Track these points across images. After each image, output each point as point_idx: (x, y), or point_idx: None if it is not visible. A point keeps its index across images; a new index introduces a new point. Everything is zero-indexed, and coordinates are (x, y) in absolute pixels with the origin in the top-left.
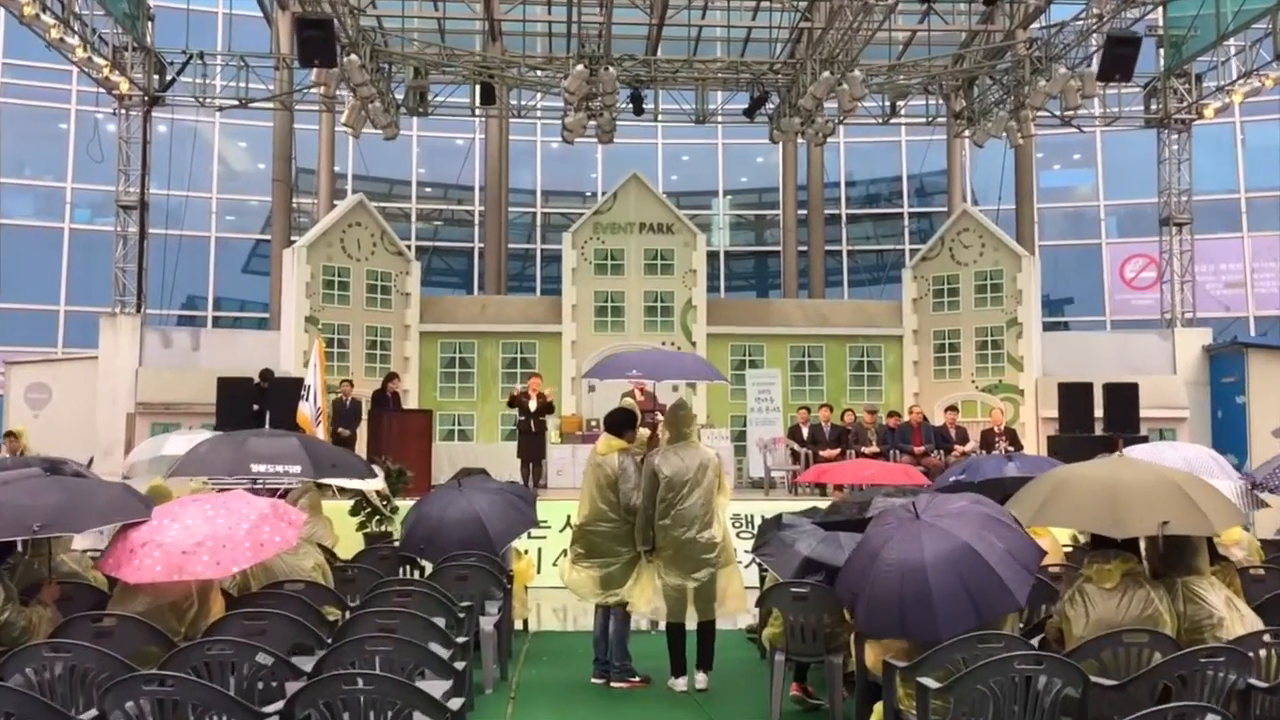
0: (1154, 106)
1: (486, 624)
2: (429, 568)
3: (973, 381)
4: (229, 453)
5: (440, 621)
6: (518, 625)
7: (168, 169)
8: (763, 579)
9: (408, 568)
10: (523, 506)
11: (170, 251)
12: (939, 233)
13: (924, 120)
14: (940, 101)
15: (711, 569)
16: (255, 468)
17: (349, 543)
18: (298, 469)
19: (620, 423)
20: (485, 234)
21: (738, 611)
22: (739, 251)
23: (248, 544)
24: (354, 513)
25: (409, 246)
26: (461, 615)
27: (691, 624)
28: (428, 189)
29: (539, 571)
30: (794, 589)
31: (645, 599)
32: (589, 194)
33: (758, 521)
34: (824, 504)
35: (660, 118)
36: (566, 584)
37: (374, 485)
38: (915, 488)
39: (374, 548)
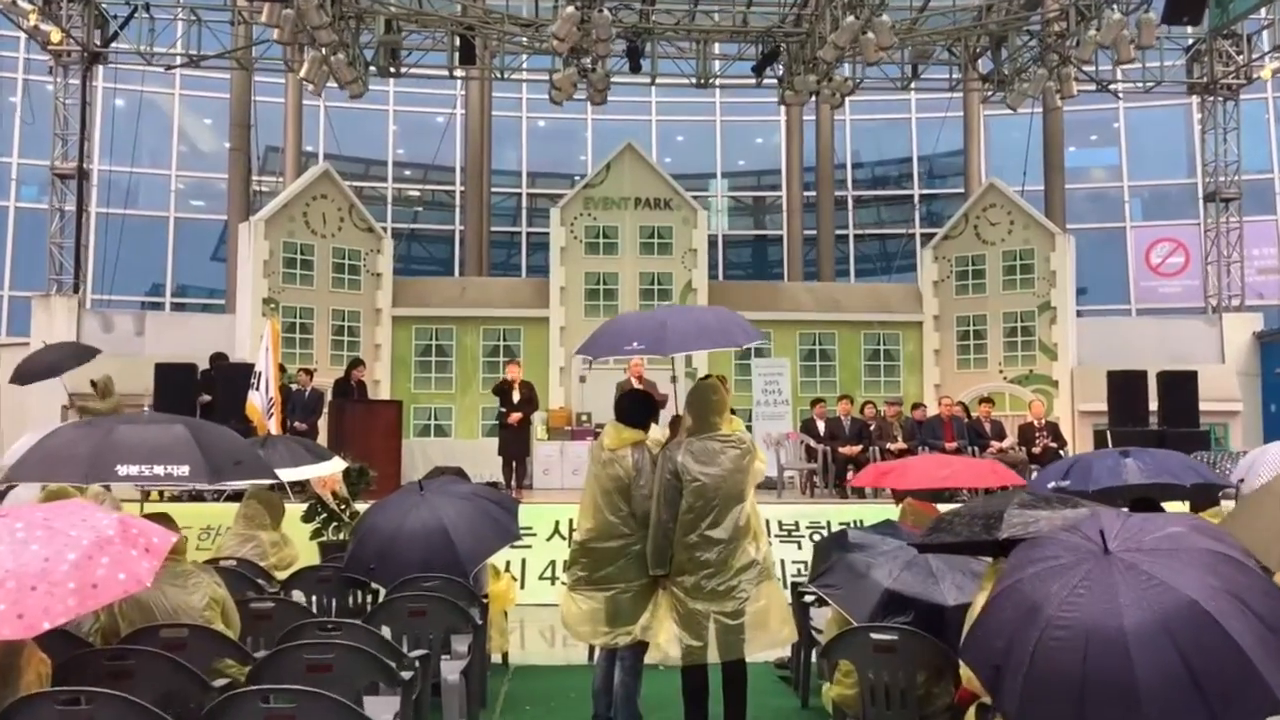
0: (1197, 71)
1: (450, 671)
2: (384, 592)
3: (1000, 372)
4: (88, 448)
5: (377, 685)
6: (495, 658)
7: (128, 146)
8: (803, 605)
9: (358, 594)
10: (499, 515)
11: (132, 235)
12: (962, 209)
13: (945, 85)
14: (959, 72)
15: (746, 595)
16: (123, 469)
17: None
18: (185, 470)
19: (637, 409)
20: (466, 217)
21: (788, 640)
22: (737, 237)
23: (72, 585)
24: (307, 518)
25: (384, 229)
26: (409, 675)
27: (714, 657)
28: (406, 171)
29: (523, 587)
30: (875, 635)
31: (665, 633)
32: (578, 176)
33: (772, 528)
34: (861, 510)
35: (658, 81)
36: (564, 620)
37: (329, 470)
38: (1020, 493)
39: (312, 568)
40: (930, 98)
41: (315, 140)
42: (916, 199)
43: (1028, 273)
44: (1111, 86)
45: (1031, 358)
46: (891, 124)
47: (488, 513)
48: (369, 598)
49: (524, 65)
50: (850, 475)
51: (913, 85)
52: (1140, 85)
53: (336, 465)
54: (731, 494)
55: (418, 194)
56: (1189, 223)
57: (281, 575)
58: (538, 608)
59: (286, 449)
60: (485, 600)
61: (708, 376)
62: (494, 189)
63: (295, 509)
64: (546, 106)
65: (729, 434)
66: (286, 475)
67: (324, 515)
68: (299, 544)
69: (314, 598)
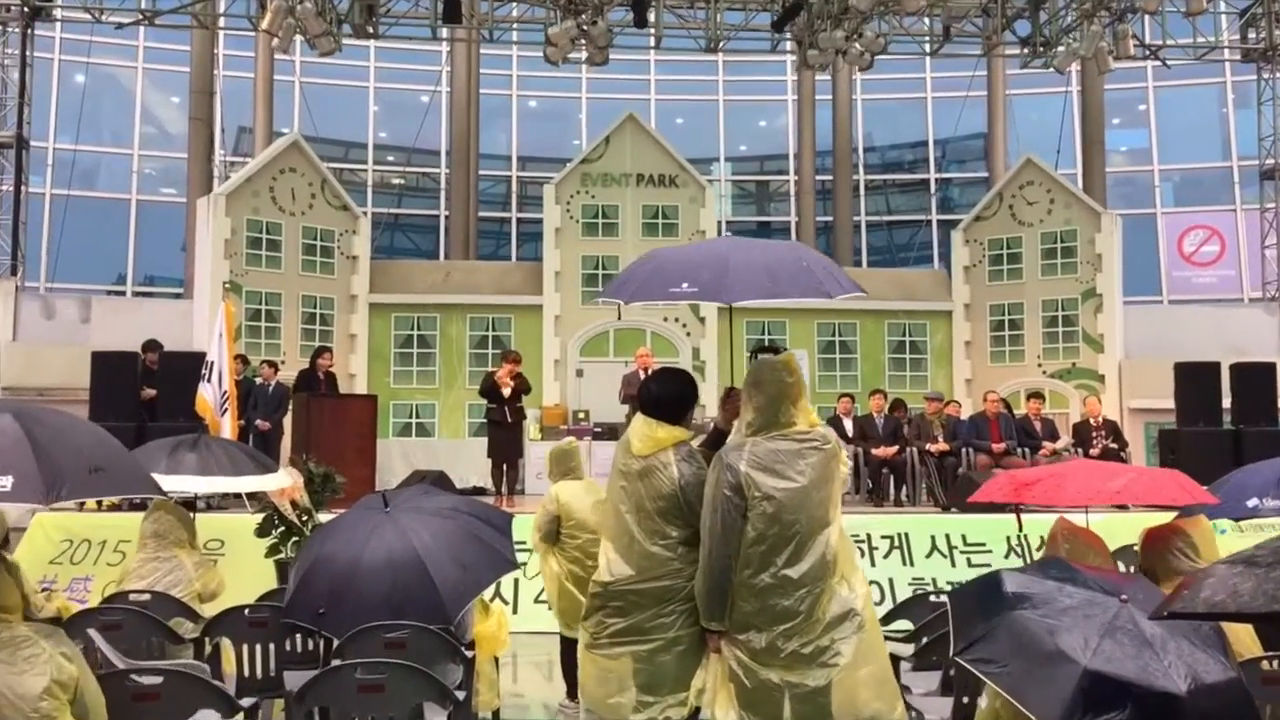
0: (1253, 37)
1: None
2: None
3: (1039, 365)
4: None
5: None
6: (484, 715)
7: (86, 123)
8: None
9: (307, 641)
10: (490, 537)
11: (91, 219)
12: (996, 188)
13: (974, 54)
14: (986, 41)
15: (840, 660)
16: None
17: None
18: (6, 482)
19: (673, 396)
20: (452, 202)
21: None
22: (740, 224)
23: None
24: (262, 533)
25: (364, 213)
26: None
27: None
28: (389, 156)
29: (515, 612)
30: None
31: (724, 705)
32: (571, 160)
33: None
34: (907, 522)
35: (663, 45)
36: (584, 692)
37: (274, 484)
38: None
39: (243, 608)
40: (949, 76)
41: (289, 121)
42: (933, 184)
43: (1069, 256)
44: (1161, 54)
45: (1074, 350)
46: (906, 105)
47: (475, 534)
48: (321, 644)
49: (514, 28)
50: (884, 475)
51: (941, 52)
52: (1190, 53)
53: (276, 481)
54: (815, 515)
55: (400, 179)
56: (1224, 208)
57: (209, 610)
58: (532, 636)
59: (225, 453)
60: (471, 653)
61: (774, 350)
62: (482, 173)
63: (248, 521)
64: (538, 84)
65: (807, 430)
66: (207, 485)
67: (282, 529)
68: (255, 562)
69: (246, 647)
